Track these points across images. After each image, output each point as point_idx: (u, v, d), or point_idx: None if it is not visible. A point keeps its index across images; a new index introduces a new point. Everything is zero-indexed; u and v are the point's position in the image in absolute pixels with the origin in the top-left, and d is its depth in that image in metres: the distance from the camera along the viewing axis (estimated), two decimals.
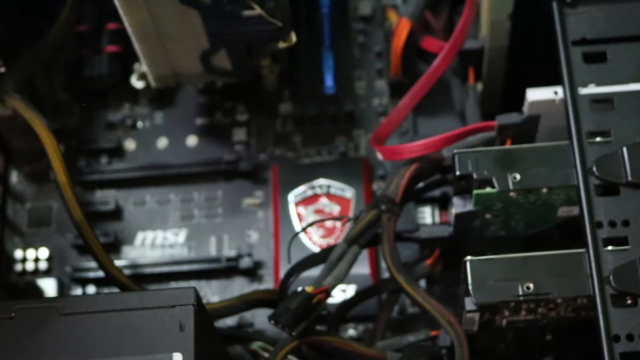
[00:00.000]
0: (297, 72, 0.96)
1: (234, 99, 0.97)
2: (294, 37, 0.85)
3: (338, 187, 0.90)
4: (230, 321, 0.87)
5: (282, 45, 0.85)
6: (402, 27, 0.89)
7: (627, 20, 0.70)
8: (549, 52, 0.70)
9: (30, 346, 0.61)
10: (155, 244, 0.91)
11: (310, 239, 0.88)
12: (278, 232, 0.89)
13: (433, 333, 0.76)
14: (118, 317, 0.62)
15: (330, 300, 0.75)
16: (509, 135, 0.74)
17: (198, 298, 0.63)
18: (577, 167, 0.66)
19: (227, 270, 0.90)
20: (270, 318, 0.73)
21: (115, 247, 0.91)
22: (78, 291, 0.90)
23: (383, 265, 0.84)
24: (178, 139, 0.96)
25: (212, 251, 0.91)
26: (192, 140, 0.95)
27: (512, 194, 0.68)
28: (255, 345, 0.81)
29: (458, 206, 0.71)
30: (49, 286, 0.90)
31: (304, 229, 0.87)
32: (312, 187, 0.90)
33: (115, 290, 0.83)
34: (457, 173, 0.69)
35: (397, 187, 0.75)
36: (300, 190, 0.90)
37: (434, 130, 0.92)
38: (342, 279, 0.74)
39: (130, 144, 0.96)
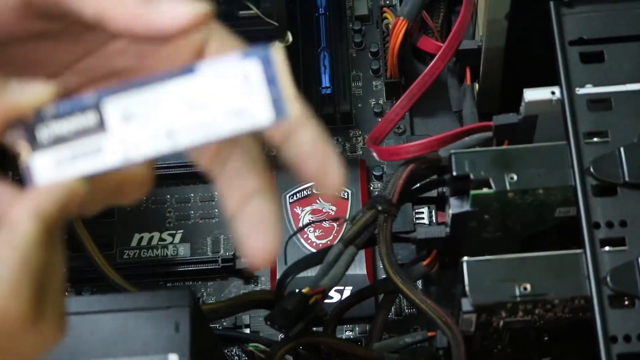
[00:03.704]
0: (294, 72, 0.96)
1: None
2: (290, 37, 0.84)
3: None
4: (226, 322, 0.87)
5: (278, 45, 0.85)
6: (398, 27, 0.88)
7: (624, 20, 0.70)
8: (546, 52, 0.70)
9: None
10: (151, 244, 0.91)
11: (306, 239, 0.88)
12: None
13: (430, 334, 0.76)
14: (113, 318, 0.62)
15: (326, 301, 0.75)
16: (506, 135, 0.73)
17: (194, 299, 0.63)
18: (574, 168, 0.66)
19: (223, 271, 0.89)
20: (266, 319, 0.73)
21: (110, 247, 0.91)
22: (73, 292, 0.90)
23: (380, 266, 0.83)
24: None
25: (209, 252, 0.91)
26: None
27: (509, 194, 0.68)
28: (252, 346, 0.81)
29: (455, 207, 0.71)
30: None
31: (300, 230, 0.87)
32: (309, 188, 0.90)
33: (111, 291, 0.83)
34: (454, 173, 0.68)
35: (393, 187, 0.74)
36: (297, 190, 0.90)
37: (430, 131, 0.92)
38: (339, 280, 0.74)
39: None
